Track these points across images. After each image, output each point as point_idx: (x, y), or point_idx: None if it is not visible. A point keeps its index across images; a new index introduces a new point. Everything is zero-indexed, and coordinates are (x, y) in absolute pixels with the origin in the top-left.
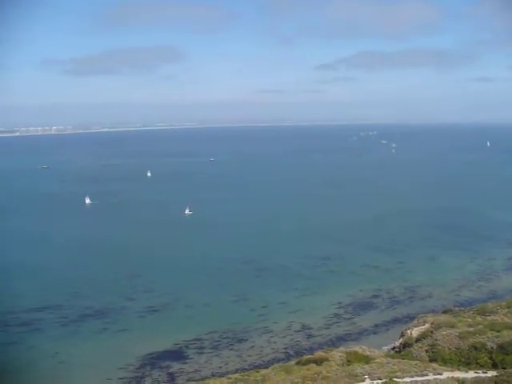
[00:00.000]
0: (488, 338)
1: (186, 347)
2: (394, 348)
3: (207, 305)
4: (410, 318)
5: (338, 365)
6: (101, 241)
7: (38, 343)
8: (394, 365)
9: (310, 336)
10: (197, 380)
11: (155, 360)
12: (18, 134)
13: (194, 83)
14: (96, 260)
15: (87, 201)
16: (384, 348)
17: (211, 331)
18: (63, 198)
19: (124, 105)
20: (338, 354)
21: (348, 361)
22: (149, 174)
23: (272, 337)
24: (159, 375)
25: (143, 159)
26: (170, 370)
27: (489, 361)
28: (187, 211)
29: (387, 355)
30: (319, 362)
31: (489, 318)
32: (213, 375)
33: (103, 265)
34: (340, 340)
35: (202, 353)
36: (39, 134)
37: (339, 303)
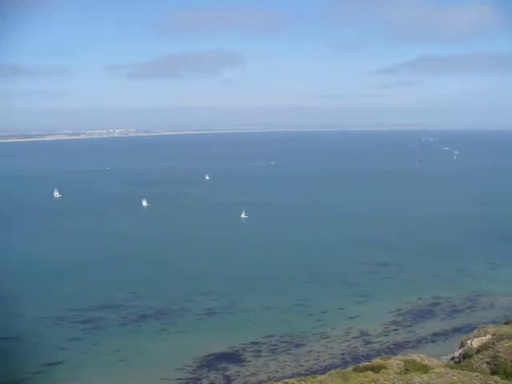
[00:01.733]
0: None
1: (244, 350)
2: (453, 358)
3: (265, 309)
4: (470, 328)
5: (396, 373)
6: (157, 243)
7: (100, 340)
8: (453, 375)
9: (367, 342)
10: None
11: (212, 362)
12: (83, 136)
13: (254, 88)
14: (153, 262)
15: (144, 203)
16: (443, 358)
17: (269, 335)
18: (122, 200)
19: (185, 108)
20: (395, 362)
21: (406, 369)
22: (207, 177)
23: (329, 342)
24: (215, 377)
25: (202, 162)
26: (227, 373)
27: None
28: (243, 215)
29: (446, 365)
30: (376, 369)
31: None
32: (269, 379)
33: (161, 266)
34: (398, 347)
35: (259, 356)
36: (103, 136)
37: (398, 310)
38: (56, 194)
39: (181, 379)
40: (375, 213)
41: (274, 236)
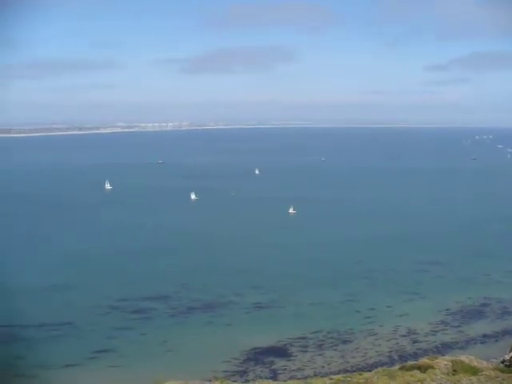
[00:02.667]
0: None
1: (290, 345)
2: (503, 361)
3: (313, 304)
4: None
5: (443, 373)
6: (204, 236)
7: (148, 331)
8: (503, 379)
9: (415, 341)
10: (299, 378)
11: (259, 355)
12: (136, 129)
13: (306, 83)
14: (201, 255)
15: (192, 196)
16: (493, 360)
17: (316, 330)
18: (171, 193)
19: (238, 103)
20: (443, 362)
21: (454, 370)
22: (257, 172)
23: (377, 340)
24: (262, 371)
25: (253, 156)
26: (273, 367)
27: None
28: (291, 210)
29: (496, 368)
30: (423, 368)
31: None
32: (315, 374)
33: (209, 259)
34: (446, 348)
35: (305, 351)
36: (156, 129)
37: (447, 310)
38: (107, 185)
39: (227, 372)
40: (427, 210)
41: (321, 232)
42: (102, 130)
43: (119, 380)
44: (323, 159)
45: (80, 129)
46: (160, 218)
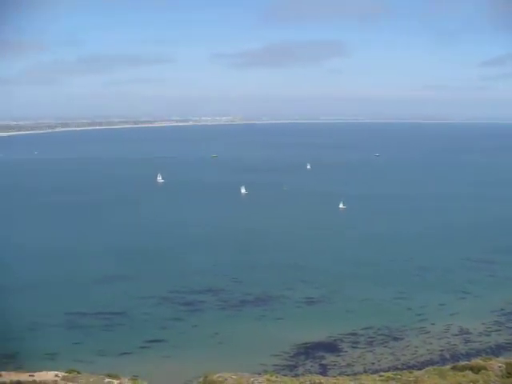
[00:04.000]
0: None
1: (341, 340)
2: None
3: (365, 300)
4: None
5: (497, 376)
6: (253, 231)
7: (199, 323)
8: None
9: (467, 341)
10: (348, 374)
11: (309, 350)
12: (190, 123)
13: (358, 78)
14: (251, 248)
15: (242, 190)
16: None
17: (367, 327)
18: (222, 187)
19: (291, 97)
20: (497, 364)
21: (508, 373)
22: (308, 167)
23: (428, 338)
24: (312, 366)
25: (305, 151)
26: (323, 362)
27: None
28: (341, 205)
29: None
30: (476, 369)
31: None
32: (365, 371)
33: (260, 253)
34: (500, 349)
35: (355, 347)
36: (210, 123)
37: (501, 310)
38: (159, 179)
39: (277, 365)
40: (484, 207)
41: (371, 227)
42: (157, 124)
43: (170, 370)
44: (377, 155)
45: (135, 122)
46: (210, 212)
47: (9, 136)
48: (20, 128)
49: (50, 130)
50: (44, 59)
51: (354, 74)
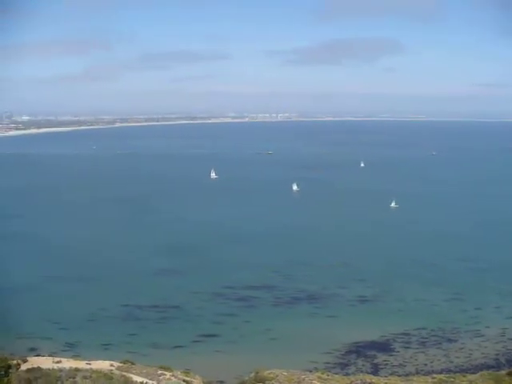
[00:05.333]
0: None
1: (393, 340)
2: None
3: (418, 300)
4: None
5: None
6: (304, 228)
7: (252, 318)
8: None
9: None
10: (400, 375)
11: (361, 349)
12: (246, 119)
13: (415, 75)
14: (303, 246)
15: (294, 187)
16: None
17: (420, 327)
18: (274, 183)
19: (347, 95)
20: None
21: None
22: (362, 165)
23: (483, 341)
24: (363, 365)
25: (359, 149)
26: (375, 361)
27: None
28: (393, 204)
29: None
30: None
31: None
32: (417, 372)
33: (312, 251)
34: None
35: (408, 348)
36: (266, 120)
37: None
38: (213, 174)
39: (328, 363)
40: None
41: (424, 227)
42: (213, 120)
43: (222, 365)
44: (434, 153)
45: (191, 118)
46: (260, 209)
47: (70, 131)
48: (81, 123)
49: (108, 126)
50: (105, 57)
51: (411, 72)
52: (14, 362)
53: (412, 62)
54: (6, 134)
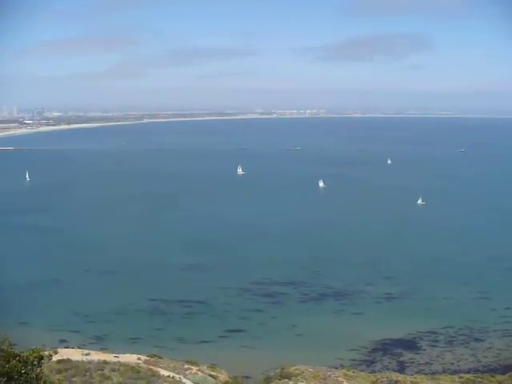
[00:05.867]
0: None
1: (420, 338)
2: None
3: (446, 298)
4: None
5: None
6: (330, 225)
7: (278, 314)
8: None
9: None
10: (426, 373)
11: (387, 346)
12: (274, 116)
13: (442, 72)
14: (330, 243)
15: (320, 184)
16: None
17: (447, 326)
18: (301, 179)
19: (376, 91)
20: None
21: None
22: (389, 161)
23: None
24: (389, 362)
25: (387, 145)
26: (401, 359)
27: None
28: (420, 201)
29: None
30: None
31: None
32: (443, 371)
33: (339, 248)
34: None
35: (435, 346)
36: (294, 116)
37: None
38: (239, 171)
39: (354, 360)
40: None
41: (451, 224)
42: (241, 116)
43: (248, 360)
44: (463, 150)
45: (219, 114)
46: (286, 205)
47: (99, 127)
48: (109, 119)
49: (137, 122)
50: (134, 53)
51: (440, 68)
52: (46, 353)
53: (439, 58)
54: (38, 129)
